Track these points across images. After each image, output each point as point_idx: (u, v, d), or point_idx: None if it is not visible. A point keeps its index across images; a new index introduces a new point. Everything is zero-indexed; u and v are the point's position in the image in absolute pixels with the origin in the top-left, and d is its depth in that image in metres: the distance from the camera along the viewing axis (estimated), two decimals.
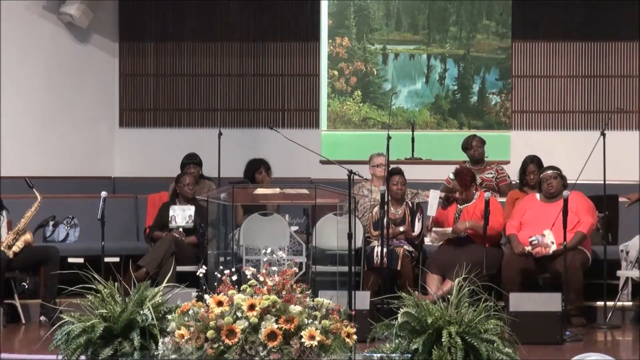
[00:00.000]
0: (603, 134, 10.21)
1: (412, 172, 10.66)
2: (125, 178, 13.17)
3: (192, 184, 11.00)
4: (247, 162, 11.38)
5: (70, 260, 10.52)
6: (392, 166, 10.59)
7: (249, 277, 6.24)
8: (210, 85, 13.45)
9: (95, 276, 6.69)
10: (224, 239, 10.04)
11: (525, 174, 10.71)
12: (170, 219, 10.82)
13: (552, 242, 9.75)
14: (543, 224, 9.84)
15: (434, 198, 10.24)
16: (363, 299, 8.79)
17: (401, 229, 10.33)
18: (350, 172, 8.23)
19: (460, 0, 13.39)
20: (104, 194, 9.27)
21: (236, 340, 5.98)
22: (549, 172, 10.13)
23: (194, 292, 6.91)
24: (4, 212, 10.21)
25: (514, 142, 13.00)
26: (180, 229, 10.76)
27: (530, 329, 8.49)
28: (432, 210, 10.25)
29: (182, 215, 10.83)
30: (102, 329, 6.44)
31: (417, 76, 13.51)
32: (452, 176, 10.61)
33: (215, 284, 6.29)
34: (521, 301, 8.94)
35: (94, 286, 6.65)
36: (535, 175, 10.47)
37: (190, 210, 10.82)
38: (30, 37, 12.51)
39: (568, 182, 10.21)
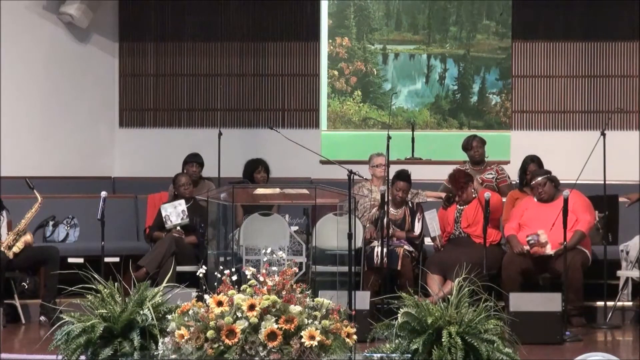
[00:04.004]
0: (603, 134, 10.22)
1: (412, 172, 10.65)
2: (125, 178, 13.17)
3: (188, 184, 11.00)
4: (246, 162, 11.38)
5: (70, 260, 10.52)
6: (399, 168, 10.57)
7: (249, 277, 6.24)
8: (210, 85, 13.45)
9: (95, 276, 6.69)
10: (224, 239, 10.04)
11: (525, 173, 10.72)
12: (164, 219, 10.79)
13: (547, 242, 9.77)
14: (542, 225, 9.85)
15: (431, 219, 10.24)
16: (363, 299, 8.79)
17: (397, 234, 10.35)
18: (350, 172, 8.23)
19: (460, 0, 13.38)
20: (104, 194, 9.28)
21: (236, 340, 5.98)
22: (539, 179, 10.12)
23: (194, 292, 6.92)
24: (4, 213, 10.21)
25: (514, 142, 13.00)
26: (178, 227, 10.75)
27: (530, 329, 8.50)
28: (433, 231, 10.26)
29: (175, 212, 10.80)
30: (102, 329, 6.44)
31: (417, 76, 13.51)
32: (447, 184, 10.71)
33: (215, 284, 6.29)
34: (521, 301, 8.95)
35: (94, 286, 6.65)
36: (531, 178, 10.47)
37: (181, 205, 10.79)
38: (30, 37, 12.51)
39: (568, 182, 10.21)
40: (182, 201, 10.81)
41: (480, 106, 13.43)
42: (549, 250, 9.77)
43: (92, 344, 6.45)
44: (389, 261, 9.83)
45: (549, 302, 8.96)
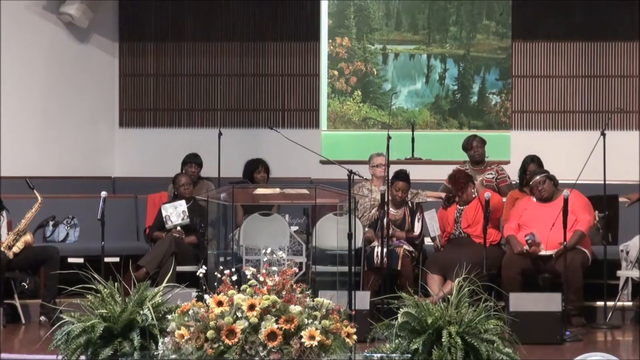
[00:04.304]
0: (603, 134, 10.22)
1: (412, 172, 10.66)
2: (125, 178, 13.17)
3: (188, 184, 10.99)
4: (246, 162, 11.37)
5: (70, 260, 10.52)
6: (399, 168, 10.58)
7: (249, 277, 6.24)
8: (210, 85, 13.45)
9: (95, 276, 6.69)
10: (224, 239, 10.04)
11: (525, 173, 10.71)
12: (165, 219, 10.77)
13: (539, 242, 9.78)
14: (541, 225, 9.85)
15: (431, 219, 10.25)
16: (363, 299, 8.79)
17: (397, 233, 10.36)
18: (350, 172, 8.23)
19: (460, 0, 13.38)
20: (104, 194, 9.27)
21: (236, 340, 5.98)
22: (537, 177, 10.12)
23: (194, 292, 6.92)
24: (4, 213, 10.21)
25: (514, 142, 13.00)
26: (179, 228, 10.74)
27: (530, 329, 8.49)
28: (433, 231, 10.25)
29: (175, 212, 10.79)
30: (102, 329, 6.44)
31: (417, 76, 13.51)
32: (447, 184, 10.73)
33: (215, 284, 6.29)
34: (521, 301, 8.95)
35: (94, 286, 6.65)
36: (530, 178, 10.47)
37: (182, 205, 10.78)
38: (30, 37, 12.51)
39: (568, 182, 10.21)
40: (183, 202, 10.80)
41: (480, 106, 13.43)
42: (543, 249, 9.79)
43: (92, 344, 6.45)
44: (389, 261, 9.83)
45: (549, 302, 8.96)
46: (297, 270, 6.68)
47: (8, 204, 10.31)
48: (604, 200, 10.43)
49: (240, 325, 6.00)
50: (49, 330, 6.80)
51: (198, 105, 13.46)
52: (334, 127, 13.53)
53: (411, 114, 13.39)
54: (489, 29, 13.40)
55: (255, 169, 11.23)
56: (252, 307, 6.02)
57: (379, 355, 6.46)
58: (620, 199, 10.90)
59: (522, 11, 13.08)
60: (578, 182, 10.03)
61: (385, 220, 9.79)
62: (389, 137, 10.08)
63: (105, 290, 6.64)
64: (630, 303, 10.30)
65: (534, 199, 10.18)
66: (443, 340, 6.28)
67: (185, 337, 6.08)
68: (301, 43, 13.38)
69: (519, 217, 10.12)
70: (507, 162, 12.39)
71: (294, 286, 6.21)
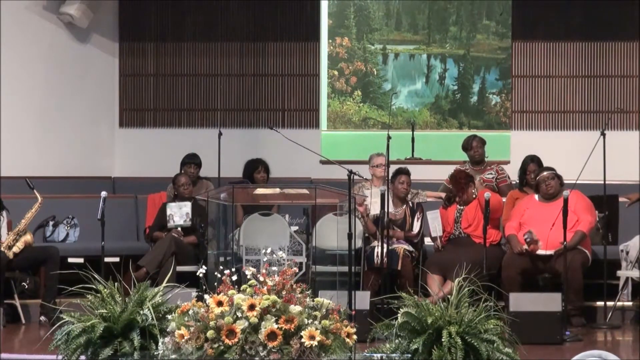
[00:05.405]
0: (603, 134, 10.22)
1: (412, 172, 10.67)
2: (125, 178, 13.17)
3: (188, 184, 10.99)
4: (246, 162, 11.38)
5: (70, 260, 10.52)
6: (399, 166, 10.61)
7: (249, 277, 6.24)
8: (210, 85, 13.45)
9: (95, 276, 6.69)
10: (224, 239, 10.04)
11: (525, 173, 10.72)
12: (168, 218, 10.78)
13: (537, 239, 9.78)
14: (542, 224, 9.85)
15: (433, 219, 10.25)
16: (363, 299, 8.79)
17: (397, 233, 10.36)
18: (350, 172, 8.23)
19: (460, 0, 13.38)
20: (104, 194, 9.27)
21: (236, 340, 5.98)
22: (545, 173, 10.14)
23: (194, 292, 6.92)
24: (4, 213, 10.21)
25: (514, 142, 13.00)
26: (179, 228, 10.73)
27: (530, 329, 8.49)
28: (435, 231, 10.26)
29: (179, 213, 10.79)
30: (102, 329, 6.44)
31: (417, 76, 13.51)
32: (447, 184, 10.73)
33: (215, 284, 6.29)
34: (521, 301, 8.95)
35: (94, 286, 6.65)
36: (536, 175, 10.48)
37: (187, 207, 10.78)
38: (30, 37, 12.51)
39: (568, 182, 10.22)
40: (189, 203, 10.80)
41: (480, 106, 13.43)
42: (540, 247, 9.79)
43: (92, 344, 6.46)
44: (389, 261, 9.83)
45: (549, 302, 8.96)
46: (297, 270, 6.67)
47: (8, 204, 10.32)
48: (604, 200, 10.43)
49: (240, 325, 6.00)
50: (49, 330, 6.80)
51: (198, 105, 13.46)
52: (334, 127, 13.53)
53: (411, 114, 13.39)
54: (489, 29, 13.41)
55: (255, 169, 11.23)
56: (252, 307, 6.02)
57: (379, 355, 6.46)
58: (620, 199, 10.89)
59: (522, 11, 13.08)
60: (578, 182, 10.04)
61: (385, 220, 9.79)
62: (389, 137, 10.09)
63: (105, 290, 6.64)
64: (630, 303, 10.30)
65: (536, 198, 10.18)
66: (443, 340, 6.28)
67: (185, 337, 6.08)
68: (301, 43, 13.38)
69: (520, 216, 10.12)
70: (507, 162, 12.39)
71: (294, 286, 6.21)
